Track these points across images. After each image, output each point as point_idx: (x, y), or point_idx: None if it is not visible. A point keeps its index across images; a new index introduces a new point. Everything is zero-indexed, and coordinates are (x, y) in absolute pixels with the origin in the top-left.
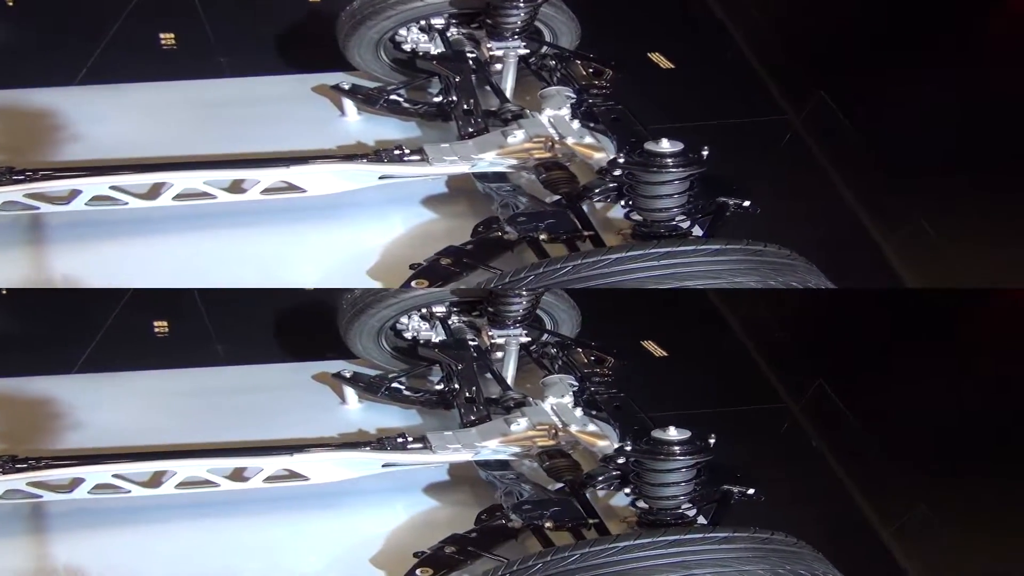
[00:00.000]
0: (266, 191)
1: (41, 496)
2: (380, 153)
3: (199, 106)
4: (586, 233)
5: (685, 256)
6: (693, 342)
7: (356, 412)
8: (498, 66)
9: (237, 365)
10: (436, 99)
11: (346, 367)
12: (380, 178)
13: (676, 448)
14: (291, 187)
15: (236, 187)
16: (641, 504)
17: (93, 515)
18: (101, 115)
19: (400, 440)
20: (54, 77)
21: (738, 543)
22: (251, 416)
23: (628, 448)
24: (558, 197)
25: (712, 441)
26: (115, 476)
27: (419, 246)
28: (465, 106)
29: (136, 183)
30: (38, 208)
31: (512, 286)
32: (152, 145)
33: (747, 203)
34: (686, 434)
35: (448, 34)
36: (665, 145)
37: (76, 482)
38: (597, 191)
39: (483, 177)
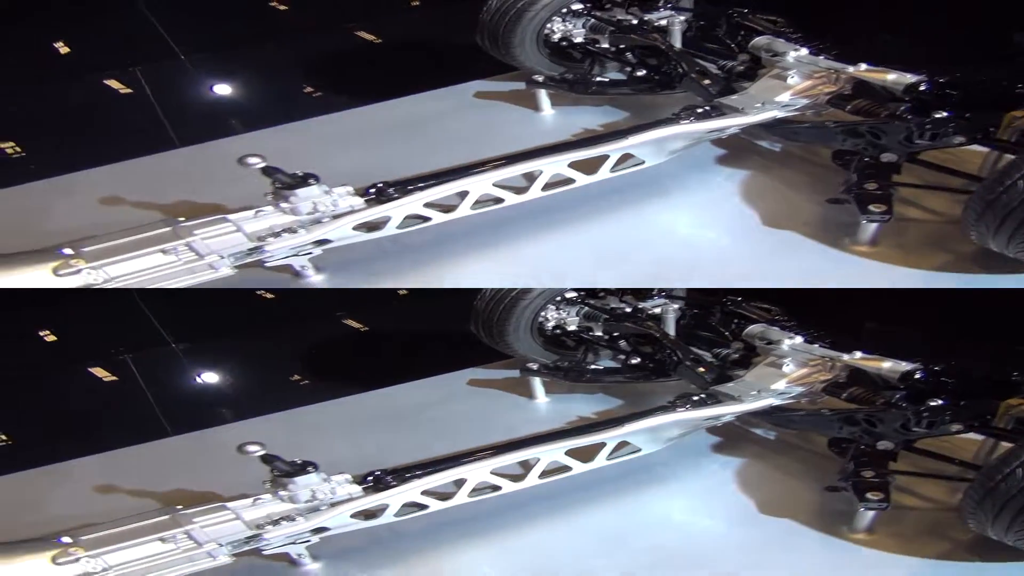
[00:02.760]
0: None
1: (428, 507)
2: (682, 115)
3: (392, 128)
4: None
5: None
6: None
7: (547, 405)
8: None
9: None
10: (639, 73)
11: (487, 373)
12: (708, 133)
13: None
14: (628, 160)
15: (588, 168)
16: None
17: (433, 530)
18: (314, 148)
19: (697, 399)
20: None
21: None
22: (460, 426)
23: None
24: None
25: None
26: (492, 473)
27: (778, 197)
28: (692, 71)
29: (513, 175)
30: (430, 219)
31: None
32: (392, 167)
33: None
34: None
35: (595, 15)
36: None
37: (458, 485)
38: (902, 110)
39: (764, 129)
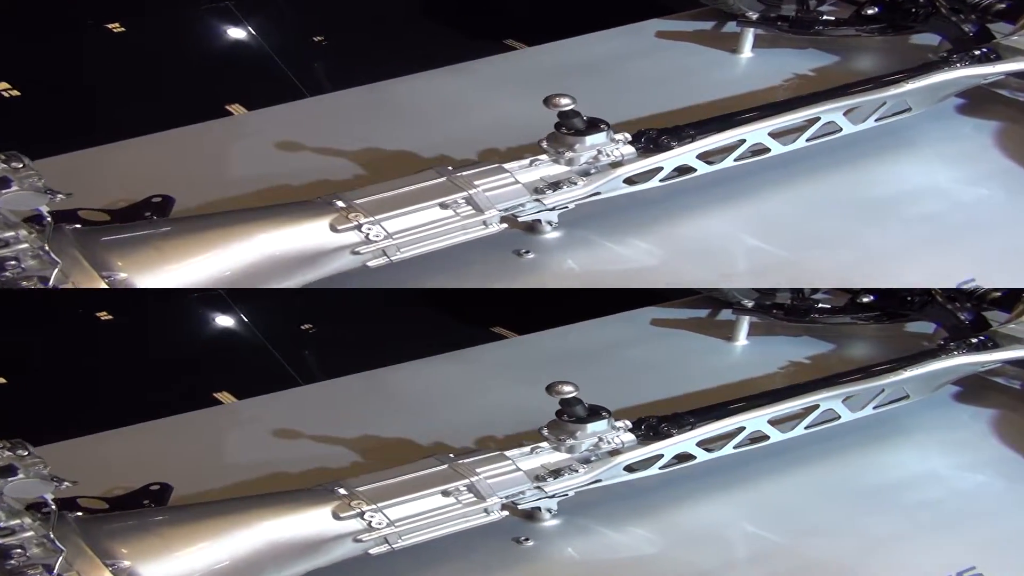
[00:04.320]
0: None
1: (695, 458)
2: (955, 57)
3: (566, 71)
4: None
5: None
6: None
7: (747, 347)
8: None
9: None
10: (870, 11)
11: (669, 312)
12: (985, 78)
13: None
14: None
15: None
16: None
17: (670, 484)
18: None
19: (976, 342)
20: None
21: None
22: (658, 369)
23: None
24: None
25: None
26: (769, 422)
27: None
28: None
29: (792, 122)
30: (695, 171)
31: None
32: None
33: None
34: None
35: None
36: None
37: (732, 435)
38: None
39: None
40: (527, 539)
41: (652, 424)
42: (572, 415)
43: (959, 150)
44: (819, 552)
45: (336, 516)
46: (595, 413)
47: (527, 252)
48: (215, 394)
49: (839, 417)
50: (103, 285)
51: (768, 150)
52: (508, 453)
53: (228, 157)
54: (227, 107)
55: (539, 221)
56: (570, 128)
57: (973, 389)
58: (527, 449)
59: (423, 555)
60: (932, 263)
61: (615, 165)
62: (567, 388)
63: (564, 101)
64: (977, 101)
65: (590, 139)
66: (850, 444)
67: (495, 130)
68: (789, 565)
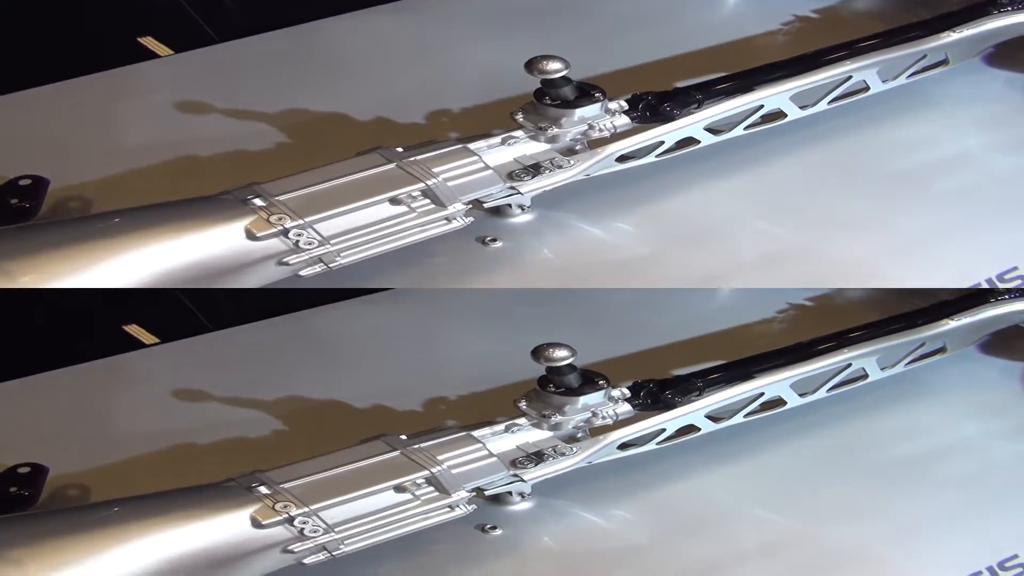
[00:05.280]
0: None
1: (700, 430)
2: (1001, 1)
3: (529, 11)
4: None
5: None
6: None
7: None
8: None
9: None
10: None
11: None
12: None
13: None
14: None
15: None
16: None
17: (656, 458)
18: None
19: None
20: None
21: None
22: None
23: None
24: None
25: None
26: (791, 387)
27: None
28: None
29: (817, 82)
30: (699, 143)
31: None
32: None
33: None
34: None
35: None
36: None
37: (747, 402)
38: None
39: None
40: (494, 527)
41: (652, 391)
42: (562, 385)
43: (992, 111)
44: (842, 540)
45: (257, 524)
46: (590, 382)
47: (493, 240)
48: (102, 344)
49: (867, 376)
50: None
51: (784, 115)
52: (476, 433)
53: (115, 121)
54: (114, 56)
55: (508, 204)
56: (556, 99)
57: (1001, 339)
58: (500, 427)
59: (367, 550)
60: (974, 249)
61: (607, 141)
62: (560, 353)
63: (553, 66)
64: (1007, 51)
65: (581, 112)
66: (866, 406)
67: (446, 84)
68: (808, 556)
